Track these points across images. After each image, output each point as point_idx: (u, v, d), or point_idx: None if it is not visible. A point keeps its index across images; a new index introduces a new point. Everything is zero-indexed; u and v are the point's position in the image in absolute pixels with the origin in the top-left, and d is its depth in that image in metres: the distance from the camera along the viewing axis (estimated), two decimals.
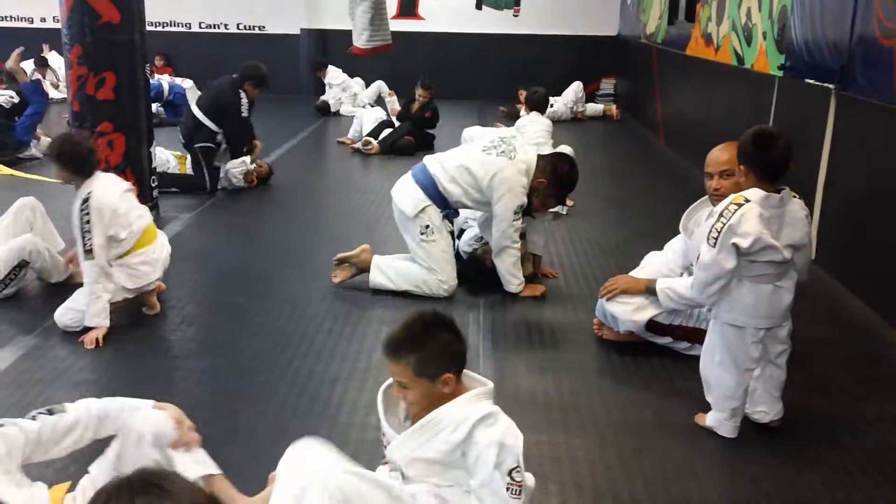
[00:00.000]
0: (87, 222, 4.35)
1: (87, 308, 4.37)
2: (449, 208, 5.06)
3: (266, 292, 5.09)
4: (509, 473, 2.39)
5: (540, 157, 5.02)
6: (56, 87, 13.66)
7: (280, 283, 5.26)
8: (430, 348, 2.48)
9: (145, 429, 2.65)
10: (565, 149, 7.27)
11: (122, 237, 4.48)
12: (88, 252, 4.35)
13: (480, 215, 5.29)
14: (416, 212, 4.94)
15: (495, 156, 4.91)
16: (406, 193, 5.03)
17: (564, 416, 3.67)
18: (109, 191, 4.47)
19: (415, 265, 5.00)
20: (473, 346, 4.35)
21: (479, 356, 4.23)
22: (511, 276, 5.05)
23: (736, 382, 3.36)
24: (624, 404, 3.79)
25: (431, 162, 5.07)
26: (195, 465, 2.68)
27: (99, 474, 2.67)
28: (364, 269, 5.09)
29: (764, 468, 3.28)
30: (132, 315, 4.71)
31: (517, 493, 2.39)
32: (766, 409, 3.48)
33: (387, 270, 5.01)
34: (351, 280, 5.15)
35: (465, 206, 5.14)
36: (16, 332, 4.45)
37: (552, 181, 4.96)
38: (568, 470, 3.23)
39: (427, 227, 4.95)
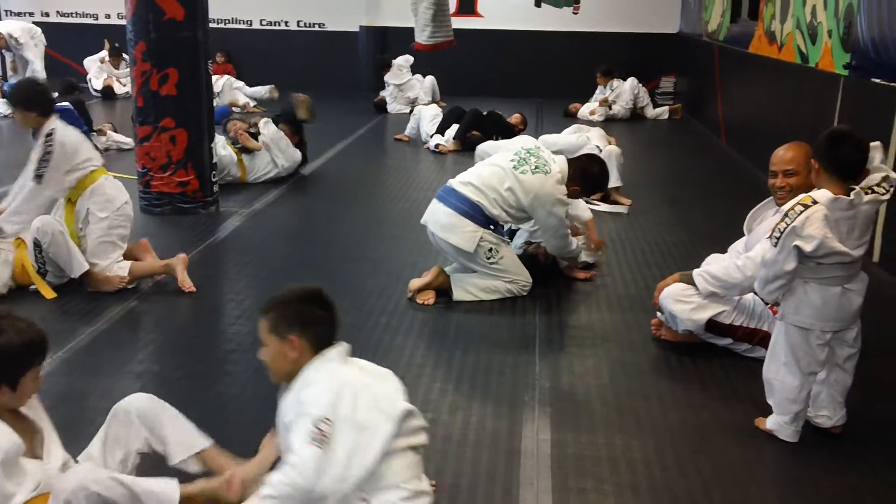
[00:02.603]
0: (49, 153, 4.82)
1: (10, 211, 4.94)
2: (495, 223, 5.04)
3: (324, 287, 5.09)
4: (315, 424, 2.48)
5: (570, 162, 5.01)
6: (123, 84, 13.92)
7: (338, 278, 5.29)
8: (288, 309, 2.70)
9: (132, 406, 2.79)
10: (613, 150, 7.32)
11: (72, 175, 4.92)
12: (39, 177, 4.85)
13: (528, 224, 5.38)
14: (475, 246, 4.86)
15: (530, 174, 4.85)
16: (454, 229, 4.89)
17: (621, 416, 3.64)
18: (70, 130, 4.98)
19: (495, 279, 4.96)
20: (530, 346, 4.35)
21: (535, 356, 4.23)
22: (569, 252, 5.22)
23: (799, 385, 3.30)
24: (682, 406, 3.74)
25: (466, 187, 4.93)
26: (186, 443, 2.81)
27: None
28: (443, 289, 4.98)
29: (825, 474, 3.22)
30: (191, 308, 4.78)
31: (320, 442, 2.46)
32: (828, 414, 3.42)
33: (469, 288, 4.93)
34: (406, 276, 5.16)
35: (508, 222, 5.17)
36: (77, 322, 4.53)
37: (585, 186, 5.07)
38: (624, 471, 3.20)
39: (490, 250, 4.90)
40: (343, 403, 2.54)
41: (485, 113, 10.14)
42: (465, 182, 4.98)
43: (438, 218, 4.97)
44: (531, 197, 4.84)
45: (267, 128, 7.93)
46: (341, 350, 2.74)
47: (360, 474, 2.50)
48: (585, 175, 5.01)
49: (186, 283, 4.97)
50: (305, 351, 2.66)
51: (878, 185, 3.18)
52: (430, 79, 13.17)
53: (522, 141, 5.20)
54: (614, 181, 7.34)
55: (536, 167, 4.87)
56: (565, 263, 5.39)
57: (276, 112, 8.91)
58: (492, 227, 4.97)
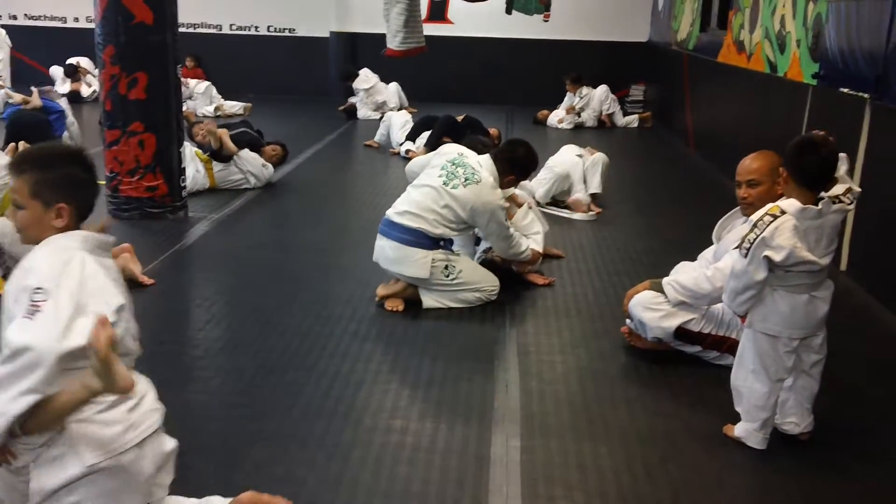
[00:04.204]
0: None
1: None
2: (444, 239, 5.01)
3: (293, 293, 5.08)
4: (31, 296, 2.29)
5: (495, 158, 5.03)
6: (90, 86, 13.82)
7: (307, 285, 5.27)
8: (56, 172, 2.48)
9: None
10: (600, 156, 7.42)
11: None
12: None
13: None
14: (429, 270, 4.84)
15: (462, 187, 4.83)
16: (404, 261, 4.86)
17: (590, 424, 3.63)
18: None
19: (461, 292, 4.93)
20: (499, 353, 4.34)
21: (504, 362, 4.22)
22: (519, 253, 5.19)
23: (767, 392, 3.31)
24: (651, 413, 3.75)
25: (403, 217, 4.89)
26: None
27: None
28: (412, 298, 4.95)
29: (794, 480, 3.23)
30: (158, 314, 4.73)
31: (31, 314, 2.25)
32: (796, 421, 3.44)
33: (438, 297, 4.91)
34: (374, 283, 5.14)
35: (454, 236, 5.11)
36: None
37: (517, 172, 5.12)
38: (593, 478, 3.20)
39: (446, 267, 4.88)
40: (68, 278, 2.33)
41: (459, 119, 10.02)
42: (401, 212, 4.93)
43: (386, 254, 4.95)
44: (469, 208, 4.83)
45: (248, 156, 7.94)
46: (98, 240, 2.52)
47: (70, 345, 2.23)
48: (513, 162, 5.05)
49: (144, 277, 5.10)
50: (71, 219, 2.49)
51: (843, 194, 3.21)
52: (395, 85, 13.18)
53: (445, 151, 5.12)
54: (594, 187, 7.39)
55: (466, 178, 4.85)
56: (516, 269, 5.40)
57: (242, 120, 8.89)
58: (441, 243, 4.94)
